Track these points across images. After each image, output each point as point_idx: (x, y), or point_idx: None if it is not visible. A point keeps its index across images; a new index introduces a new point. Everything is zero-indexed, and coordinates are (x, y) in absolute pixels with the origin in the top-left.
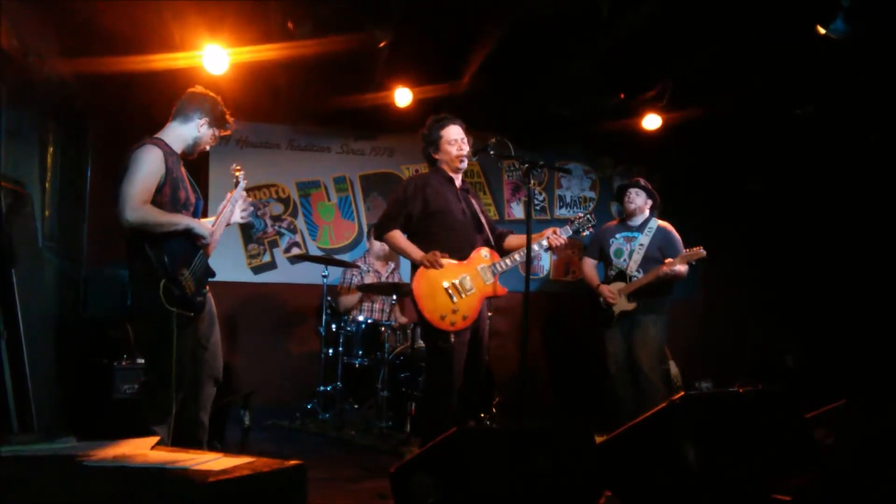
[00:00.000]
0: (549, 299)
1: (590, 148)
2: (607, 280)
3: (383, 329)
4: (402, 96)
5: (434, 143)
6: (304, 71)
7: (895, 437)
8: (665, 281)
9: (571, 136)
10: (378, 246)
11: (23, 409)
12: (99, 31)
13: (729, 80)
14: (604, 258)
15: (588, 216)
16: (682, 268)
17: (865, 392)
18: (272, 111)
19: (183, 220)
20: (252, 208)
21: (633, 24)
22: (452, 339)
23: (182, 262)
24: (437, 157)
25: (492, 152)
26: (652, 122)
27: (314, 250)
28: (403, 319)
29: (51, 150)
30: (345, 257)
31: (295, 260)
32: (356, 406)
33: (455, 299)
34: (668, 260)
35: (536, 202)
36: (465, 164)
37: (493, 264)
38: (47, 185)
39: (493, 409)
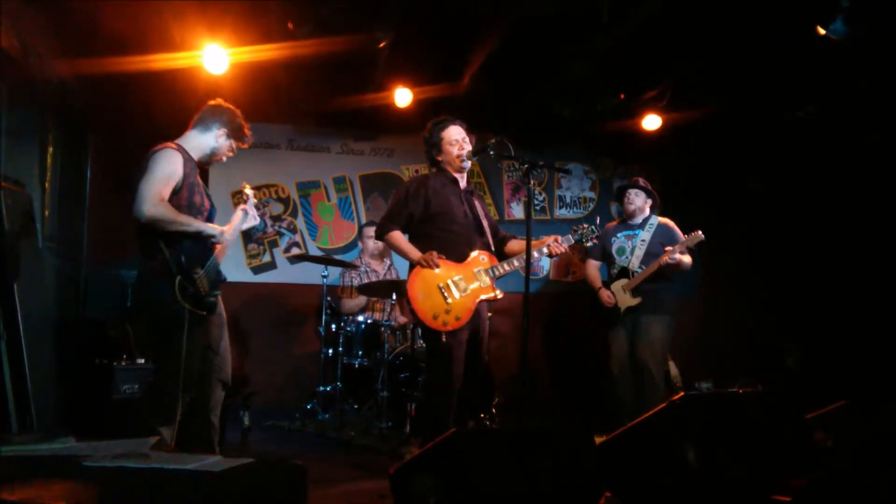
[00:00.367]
0: (549, 300)
1: (590, 148)
2: (610, 278)
3: (383, 329)
4: (402, 96)
5: (435, 145)
6: (304, 71)
7: (895, 438)
8: (668, 275)
9: (571, 136)
10: (371, 244)
11: (23, 409)
12: (99, 31)
13: (729, 81)
14: (606, 258)
15: (592, 227)
16: (684, 257)
17: (865, 393)
18: (272, 111)
19: (195, 223)
20: (257, 221)
21: (633, 25)
22: (444, 339)
23: (196, 262)
24: (439, 158)
25: (491, 152)
26: (652, 122)
27: (314, 250)
28: (403, 319)
29: (51, 150)
30: (345, 257)
31: (294, 260)
32: (356, 406)
33: (449, 300)
34: (668, 248)
35: (536, 202)
36: (467, 164)
37: (491, 267)
38: (47, 185)
39: (493, 410)
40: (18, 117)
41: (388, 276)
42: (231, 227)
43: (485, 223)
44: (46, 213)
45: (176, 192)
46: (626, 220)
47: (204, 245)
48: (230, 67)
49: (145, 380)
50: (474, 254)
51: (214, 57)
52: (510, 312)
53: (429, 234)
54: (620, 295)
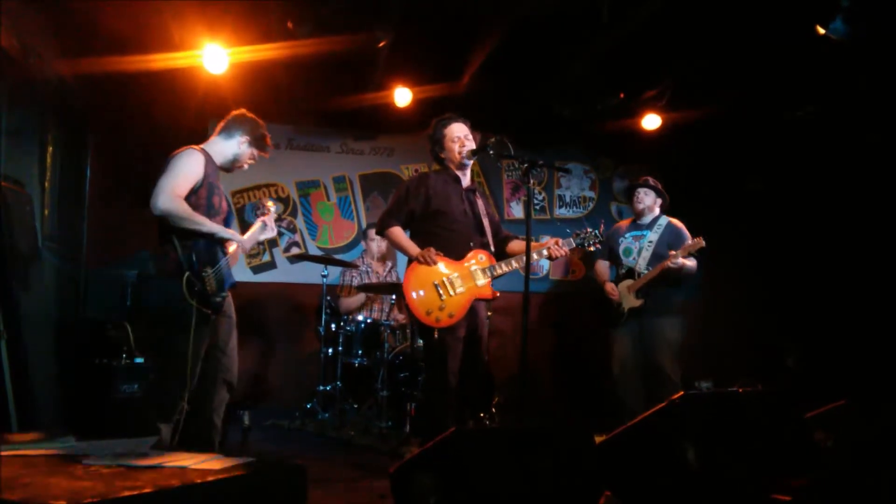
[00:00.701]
0: (548, 299)
1: (590, 148)
2: (617, 278)
3: (383, 329)
4: (402, 96)
5: (438, 141)
6: (304, 70)
7: (894, 438)
8: (673, 277)
9: (571, 136)
10: (375, 247)
11: (23, 409)
12: (99, 31)
13: (729, 80)
14: (613, 258)
15: (595, 232)
16: (687, 261)
17: (865, 392)
18: (272, 111)
19: (210, 224)
20: (274, 233)
21: (633, 25)
22: (436, 335)
23: (207, 262)
24: (442, 155)
25: (491, 152)
26: (652, 122)
27: (314, 250)
28: (403, 319)
29: (51, 149)
30: (344, 257)
31: (294, 259)
32: (356, 406)
33: (443, 297)
34: (672, 252)
35: (536, 202)
36: (467, 162)
37: (488, 267)
38: (47, 184)
39: (493, 409)
40: (18, 117)
41: (388, 279)
42: (248, 235)
43: (485, 222)
44: (46, 212)
45: (195, 191)
46: (635, 219)
47: (216, 247)
48: (230, 67)
49: (145, 379)
50: (472, 252)
51: (214, 56)
52: (510, 312)
53: (428, 232)
54: (625, 295)
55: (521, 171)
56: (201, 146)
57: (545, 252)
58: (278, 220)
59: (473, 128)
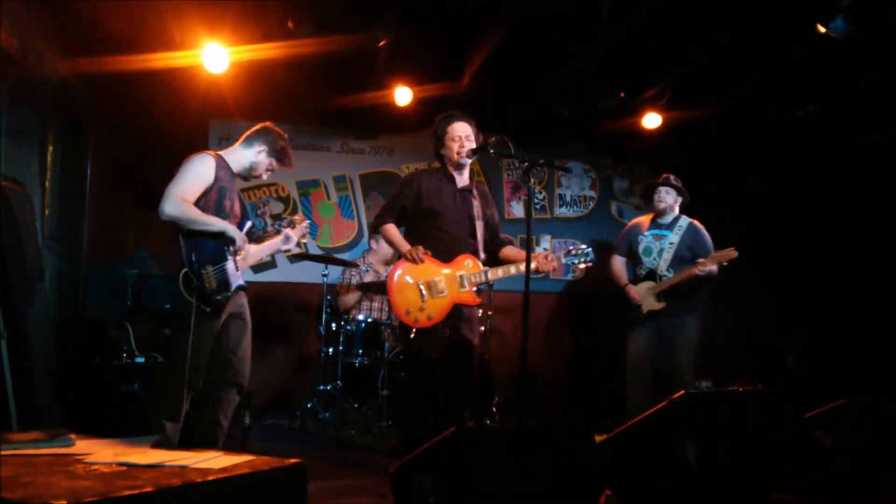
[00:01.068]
0: (549, 299)
1: (590, 147)
2: (636, 279)
3: (383, 328)
4: (403, 95)
5: (440, 138)
6: (304, 70)
7: (894, 437)
8: (696, 280)
9: (571, 135)
10: (384, 249)
11: (23, 409)
12: (99, 31)
13: (729, 80)
14: (632, 256)
15: (588, 251)
16: (713, 267)
17: (865, 392)
18: (272, 110)
19: (218, 223)
20: (291, 246)
21: (633, 24)
22: (412, 335)
23: (208, 260)
24: (441, 153)
25: (491, 151)
26: (652, 121)
27: (314, 249)
28: None
29: (51, 149)
30: (345, 256)
31: (294, 259)
32: (356, 405)
33: (425, 298)
34: (700, 261)
35: (536, 201)
36: (465, 162)
37: (474, 274)
38: (47, 184)
39: (493, 409)
40: (18, 117)
41: None
42: (268, 244)
43: (478, 225)
44: (46, 212)
45: (205, 194)
46: (655, 217)
47: (222, 246)
48: (230, 66)
49: (145, 379)
50: (461, 257)
51: (214, 56)
52: (510, 311)
53: (419, 231)
54: (645, 297)
55: (522, 170)
56: (219, 152)
57: (534, 265)
58: (278, 218)
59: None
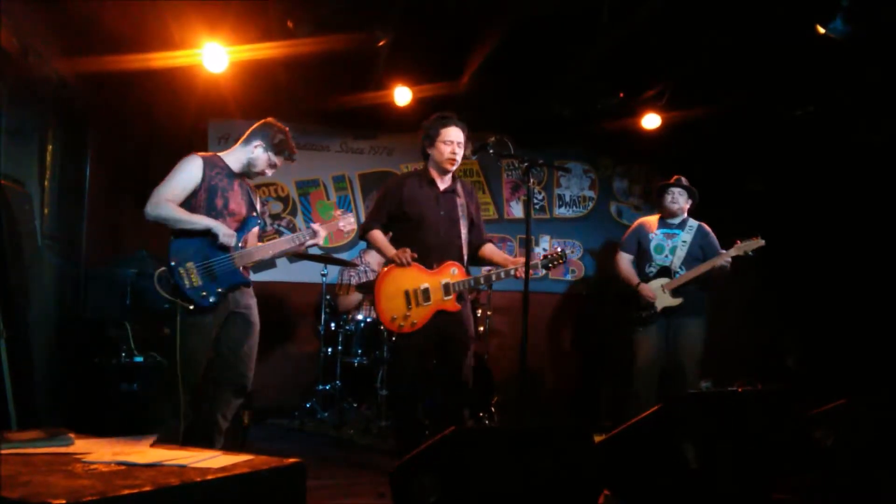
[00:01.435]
0: (548, 298)
1: (590, 147)
2: (646, 277)
3: (382, 328)
4: (402, 95)
5: (431, 138)
6: (304, 69)
7: (895, 437)
8: (706, 278)
9: (571, 135)
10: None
11: (23, 408)
12: (99, 30)
13: (729, 80)
14: (641, 254)
15: (563, 253)
16: (728, 261)
17: (865, 392)
18: (271, 110)
19: (204, 221)
20: (299, 245)
21: (633, 24)
22: (393, 339)
23: (190, 257)
24: (429, 151)
25: (491, 151)
26: (651, 121)
27: (313, 249)
28: None
29: (50, 148)
30: (343, 256)
31: (294, 258)
32: (355, 405)
33: (411, 307)
34: (723, 251)
35: (536, 201)
36: (452, 168)
37: (458, 282)
38: (47, 183)
39: (493, 409)
40: (18, 116)
41: None
42: (287, 237)
43: (462, 225)
44: (46, 211)
45: (194, 195)
46: (663, 217)
47: (211, 244)
48: (230, 66)
49: (145, 378)
50: (448, 264)
51: (214, 55)
52: (509, 311)
53: (404, 238)
54: (660, 294)
55: (521, 170)
56: (218, 153)
57: (512, 272)
58: (277, 217)
59: (473, 128)
